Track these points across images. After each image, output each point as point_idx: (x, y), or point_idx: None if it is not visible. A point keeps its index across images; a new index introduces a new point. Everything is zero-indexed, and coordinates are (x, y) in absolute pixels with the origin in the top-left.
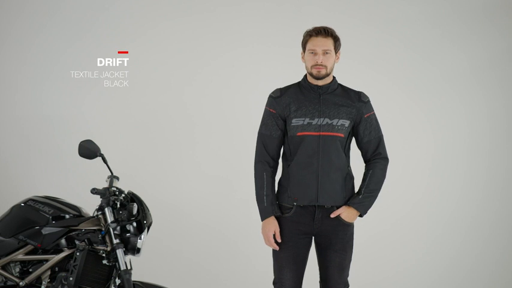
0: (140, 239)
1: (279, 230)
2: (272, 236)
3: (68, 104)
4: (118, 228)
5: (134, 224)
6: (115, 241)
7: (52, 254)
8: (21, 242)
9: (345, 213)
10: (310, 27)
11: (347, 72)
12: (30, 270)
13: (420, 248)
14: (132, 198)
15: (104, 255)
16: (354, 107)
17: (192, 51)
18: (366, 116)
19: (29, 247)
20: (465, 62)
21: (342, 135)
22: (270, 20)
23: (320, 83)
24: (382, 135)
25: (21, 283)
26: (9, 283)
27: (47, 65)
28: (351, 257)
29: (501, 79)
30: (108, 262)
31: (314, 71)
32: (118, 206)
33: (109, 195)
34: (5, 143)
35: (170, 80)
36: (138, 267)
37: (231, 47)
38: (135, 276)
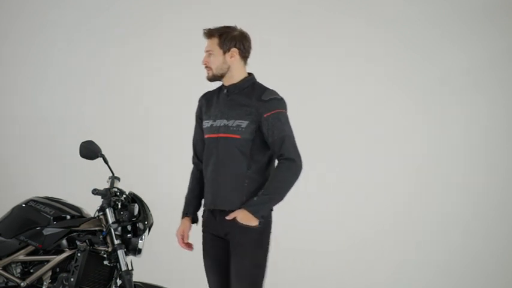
0: (141, 239)
1: (188, 230)
2: (180, 237)
3: (68, 104)
4: (119, 228)
5: (135, 224)
6: (116, 242)
7: (53, 254)
8: (22, 243)
9: (239, 215)
10: (309, 27)
11: (347, 72)
12: (31, 271)
13: (420, 248)
14: (133, 198)
15: (105, 255)
16: (253, 106)
17: (192, 51)
18: (265, 115)
19: (30, 248)
20: (465, 62)
21: (238, 136)
22: (270, 20)
23: (226, 83)
24: (286, 135)
25: (22, 284)
26: (10, 284)
27: (47, 65)
28: (254, 266)
29: (501, 79)
30: (109, 263)
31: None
32: (119, 206)
33: (110, 195)
34: (5, 144)
35: (171, 80)
36: (139, 267)
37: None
38: (136, 277)
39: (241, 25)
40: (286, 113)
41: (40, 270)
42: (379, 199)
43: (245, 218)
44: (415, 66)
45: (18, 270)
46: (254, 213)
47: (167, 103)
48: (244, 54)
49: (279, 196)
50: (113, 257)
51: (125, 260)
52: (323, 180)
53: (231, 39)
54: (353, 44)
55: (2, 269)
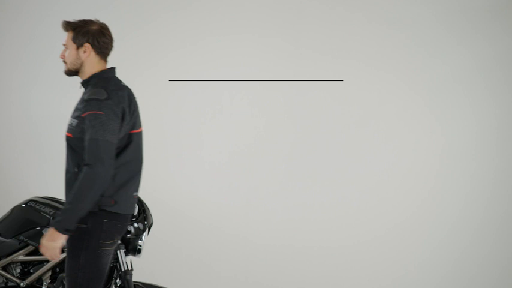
0: (141, 239)
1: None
2: None
3: (68, 104)
4: None
5: (135, 224)
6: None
7: None
8: (22, 243)
9: (42, 241)
10: (312, 25)
11: (352, 71)
12: (31, 271)
13: (424, 251)
14: None
15: None
16: (81, 104)
17: (192, 50)
18: (82, 115)
19: (30, 248)
20: (471, 61)
21: (71, 135)
22: (269, 21)
23: (81, 78)
24: (93, 138)
25: (22, 284)
26: (10, 284)
27: (46, 65)
28: (75, 268)
29: (508, 77)
30: None
31: None
32: None
33: None
34: (4, 144)
35: (170, 79)
36: (139, 268)
37: (231, 47)
38: (136, 277)
39: (241, 25)
40: (104, 115)
41: (40, 270)
42: (386, 199)
43: (49, 239)
44: (422, 65)
45: (18, 270)
46: (57, 228)
47: (167, 103)
48: (100, 50)
49: (80, 205)
50: (113, 257)
51: (125, 260)
52: (330, 180)
53: (84, 34)
54: (358, 42)
55: (1, 269)
